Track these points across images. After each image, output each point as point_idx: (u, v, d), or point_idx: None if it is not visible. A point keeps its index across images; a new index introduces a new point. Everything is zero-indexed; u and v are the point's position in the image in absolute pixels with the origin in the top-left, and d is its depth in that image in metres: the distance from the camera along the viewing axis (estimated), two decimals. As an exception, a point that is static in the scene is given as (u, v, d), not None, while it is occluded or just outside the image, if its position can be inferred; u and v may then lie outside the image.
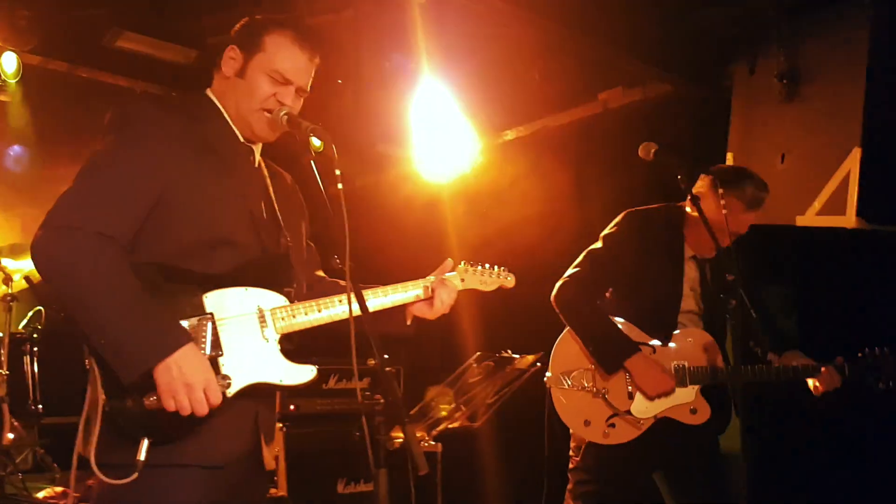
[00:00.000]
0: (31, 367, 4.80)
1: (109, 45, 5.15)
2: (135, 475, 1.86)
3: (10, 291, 4.69)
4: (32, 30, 4.74)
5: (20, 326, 4.91)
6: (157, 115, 2.06)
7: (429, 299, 2.37)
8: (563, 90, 5.33)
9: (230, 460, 2.03)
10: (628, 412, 3.09)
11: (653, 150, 2.97)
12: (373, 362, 1.91)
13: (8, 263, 4.68)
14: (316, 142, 2.11)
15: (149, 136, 2.02)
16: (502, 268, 2.63)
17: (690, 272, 3.26)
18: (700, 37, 4.32)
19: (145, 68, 5.32)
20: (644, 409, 3.10)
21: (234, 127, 2.21)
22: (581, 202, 5.21)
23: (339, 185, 2.01)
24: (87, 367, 1.93)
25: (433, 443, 2.22)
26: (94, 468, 1.88)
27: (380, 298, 2.29)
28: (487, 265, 2.57)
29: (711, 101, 4.55)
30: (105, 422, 1.88)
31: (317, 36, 2.26)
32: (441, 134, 5.17)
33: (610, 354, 3.11)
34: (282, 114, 2.15)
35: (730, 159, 4.24)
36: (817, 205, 3.78)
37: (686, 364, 3.15)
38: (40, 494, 4.19)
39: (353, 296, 1.95)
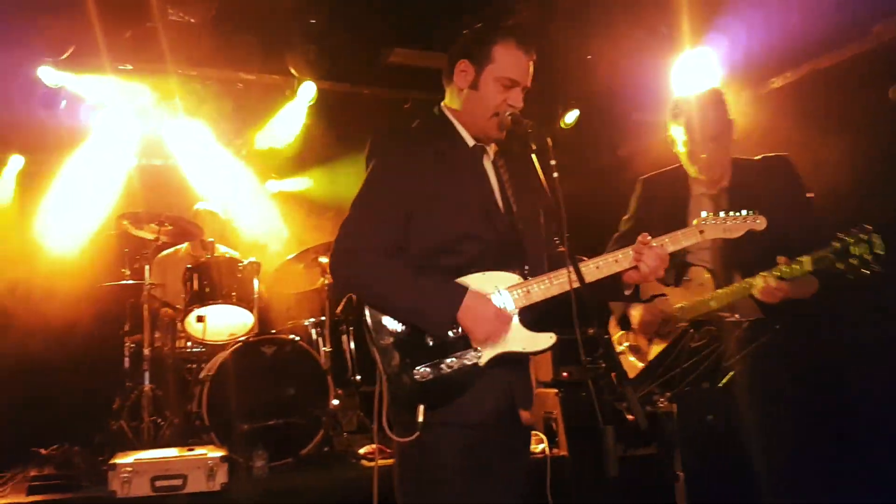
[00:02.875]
0: (349, 344, 5.66)
1: (384, 63, 5.87)
2: (416, 434, 2.26)
3: (325, 282, 5.56)
4: (321, 60, 5.59)
5: (337, 310, 5.77)
6: (400, 145, 2.45)
7: (634, 267, 2.43)
8: (833, 26, 4.91)
9: (488, 419, 2.34)
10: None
11: None
12: (592, 331, 2.13)
13: (324, 259, 5.53)
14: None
15: (395, 164, 2.41)
16: (750, 211, 2.59)
17: (706, 206, 3.16)
18: None
19: (417, 79, 5.93)
20: (657, 349, 3.20)
21: (464, 135, 2.50)
22: (855, 148, 4.79)
23: (555, 174, 2.27)
24: (372, 355, 2.35)
25: (667, 403, 2.35)
26: (386, 429, 2.33)
27: (591, 269, 2.40)
28: (732, 212, 2.56)
29: None
30: (390, 394, 2.33)
31: (532, 34, 2.48)
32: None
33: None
34: (507, 114, 2.42)
35: None
36: None
37: (685, 304, 3.13)
38: (362, 451, 4.94)
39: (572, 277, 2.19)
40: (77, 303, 5.59)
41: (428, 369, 2.28)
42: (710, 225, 2.52)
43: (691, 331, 2.30)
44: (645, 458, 4.88)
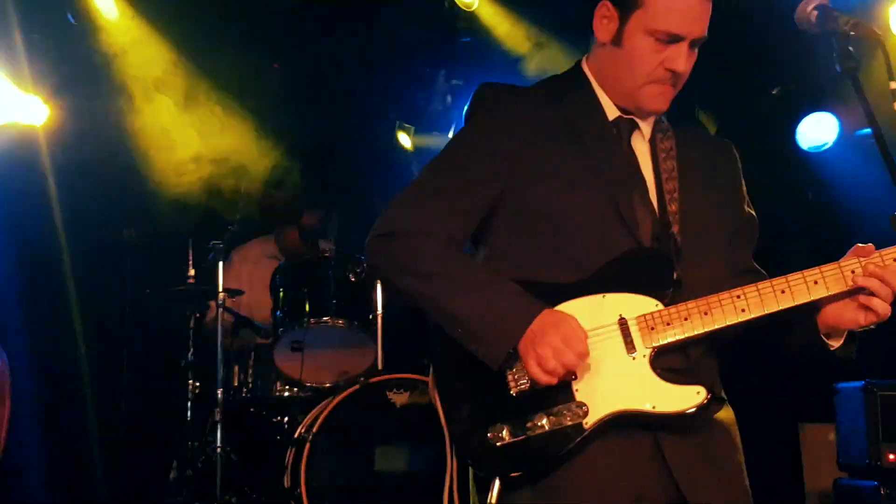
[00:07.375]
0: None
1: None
2: None
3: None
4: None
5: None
6: (512, 102, 2.03)
7: (852, 295, 1.85)
8: None
9: None
10: None
11: None
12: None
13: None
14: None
15: (497, 126, 1.99)
16: None
17: None
18: None
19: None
20: None
21: (605, 104, 2.05)
22: None
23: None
24: (433, 404, 1.90)
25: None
26: None
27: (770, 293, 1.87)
28: None
29: None
30: (458, 461, 1.91)
31: None
32: None
33: None
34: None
35: None
36: None
37: None
38: None
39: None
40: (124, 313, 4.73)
41: (507, 430, 1.81)
42: None
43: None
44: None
